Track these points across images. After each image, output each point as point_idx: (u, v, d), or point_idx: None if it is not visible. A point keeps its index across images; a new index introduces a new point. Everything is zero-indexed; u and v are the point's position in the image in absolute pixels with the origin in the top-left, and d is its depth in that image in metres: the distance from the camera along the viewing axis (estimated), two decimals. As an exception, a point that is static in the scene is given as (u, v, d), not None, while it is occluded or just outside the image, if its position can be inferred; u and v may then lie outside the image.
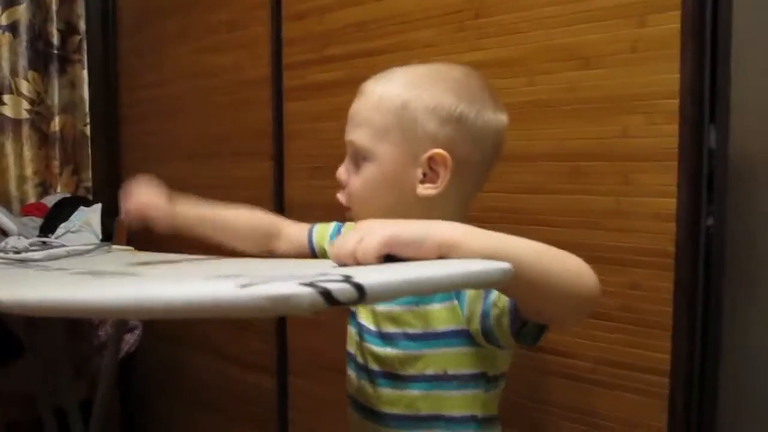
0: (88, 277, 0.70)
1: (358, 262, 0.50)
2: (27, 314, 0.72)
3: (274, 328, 1.51)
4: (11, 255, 1.06)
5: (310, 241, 0.94)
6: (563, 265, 0.58)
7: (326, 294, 0.34)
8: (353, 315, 0.85)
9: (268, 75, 1.46)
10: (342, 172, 0.79)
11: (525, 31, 1.03)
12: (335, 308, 0.35)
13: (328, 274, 0.38)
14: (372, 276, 0.37)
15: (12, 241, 1.22)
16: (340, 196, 0.80)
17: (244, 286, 0.35)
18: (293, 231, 0.97)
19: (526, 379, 1.05)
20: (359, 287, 0.35)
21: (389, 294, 0.38)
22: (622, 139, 0.93)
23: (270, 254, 0.94)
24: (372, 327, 0.80)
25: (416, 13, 1.17)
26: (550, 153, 1.00)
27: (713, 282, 0.88)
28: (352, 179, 0.78)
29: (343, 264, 0.51)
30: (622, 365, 0.95)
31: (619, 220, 0.94)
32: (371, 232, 0.52)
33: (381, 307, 0.79)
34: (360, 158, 0.76)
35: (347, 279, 0.35)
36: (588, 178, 0.97)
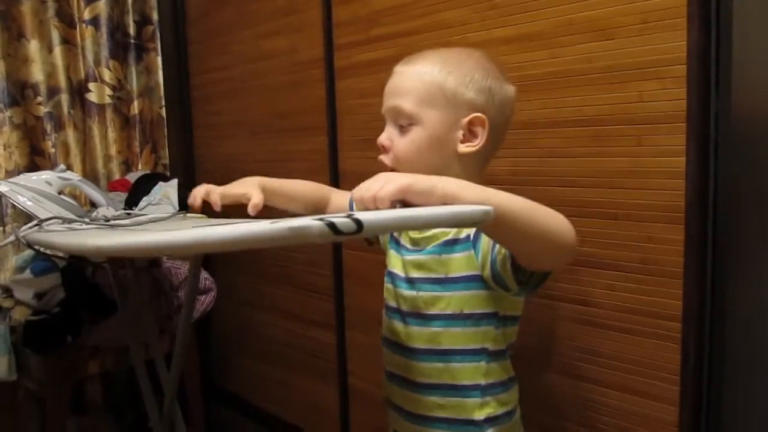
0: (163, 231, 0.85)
1: (376, 206, 0.63)
2: (118, 255, 0.87)
3: (332, 289, 1.65)
4: (102, 222, 1.23)
5: (351, 207, 1.06)
6: (545, 215, 0.70)
7: (332, 225, 0.46)
8: (389, 269, 0.97)
9: (321, 56, 1.58)
10: (384, 138, 0.91)
11: (547, 6, 1.11)
12: (340, 238, 0.47)
13: (339, 215, 0.50)
14: (370, 214, 0.49)
15: (102, 211, 1.40)
16: (385, 159, 0.91)
17: (273, 222, 0.47)
18: (339, 198, 1.11)
19: (550, 326, 1.15)
20: (358, 221, 0.47)
21: (382, 227, 0.50)
22: (636, 104, 1.01)
23: None
24: (401, 274, 0.93)
25: (451, -6, 1.27)
26: (572, 119, 1.09)
27: (722, 233, 0.96)
28: (397, 142, 0.89)
29: (364, 207, 0.64)
30: (638, 312, 1.04)
31: (634, 179, 1.02)
32: (391, 180, 0.64)
33: (410, 257, 0.92)
34: (405, 123, 0.88)
35: (349, 216, 0.47)
36: (606, 141, 1.05)
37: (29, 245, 1.21)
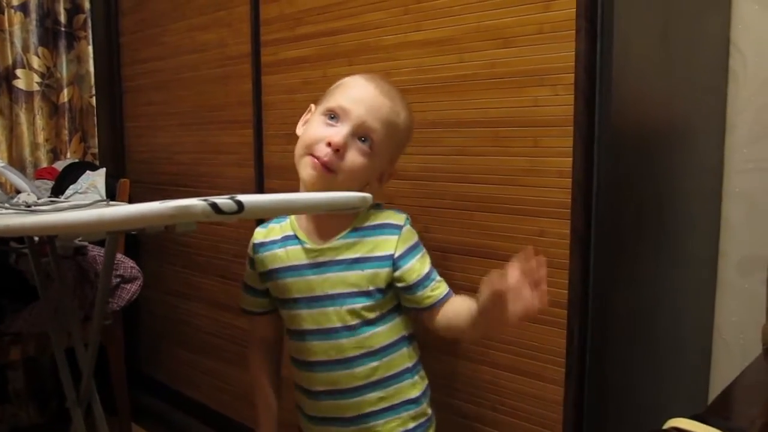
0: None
1: None
2: (25, 234, 0.90)
3: (257, 277, 1.70)
4: (22, 207, 1.25)
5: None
6: None
7: (214, 205, 0.52)
8: (297, 296, 1.05)
9: (248, 51, 1.62)
10: (341, 139, 0.96)
11: (457, 14, 1.18)
12: (222, 217, 0.52)
13: (223, 197, 0.55)
14: (250, 196, 0.55)
15: (23, 197, 1.41)
16: (334, 161, 0.96)
17: (162, 202, 0.53)
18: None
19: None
20: (239, 203, 0.53)
21: (262, 209, 0.56)
22: (532, 108, 1.09)
23: None
24: (321, 293, 1.03)
25: (370, -2, 1.33)
26: (476, 120, 1.17)
27: (603, 228, 1.05)
28: (352, 153, 0.97)
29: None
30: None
31: (530, 177, 1.11)
32: None
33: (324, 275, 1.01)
34: (367, 144, 0.98)
35: (232, 197, 0.53)
36: (506, 142, 1.13)
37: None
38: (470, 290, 1.18)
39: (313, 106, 1.09)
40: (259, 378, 1.12)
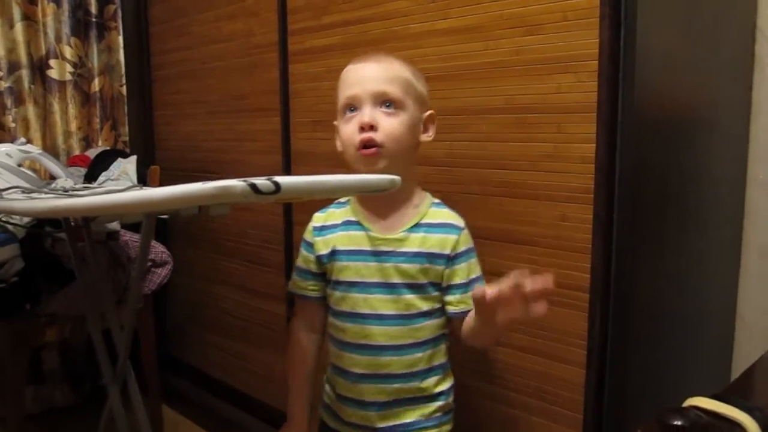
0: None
1: None
2: (69, 215, 0.94)
3: (283, 263, 1.74)
4: (60, 192, 1.29)
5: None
6: None
7: (253, 186, 0.55)
8: (353, 279, 1.07)
9: (275, 40, 1.65)
10: (370, 117, 1.00)
11: (483, 2, 1.20)
12: (259, 198, 0.55)
13: (261, 178, 0.58)
14: (286, 177, 0.58)
15: (60, 182, 1.46)
16: (375, 136, 0.99)
17: (204, 183, 0.56)
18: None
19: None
20: (276, 183, 0.56)
21: (299, 191, 0.58)
22: (556, 94, 1.11)
23: None
24: (380, 280, 1.06)
25: (397, -14, 1.35)
26: (501, 107, 1.19)
27: (625, 213, 1.07)
28: (387, 122, 1.00)
29: None
30: (555, 284, 1.14)
31: (553, 163, 1.13)
32: None
33: (388, 264, 1.05)
34: (392, 107, 1.01)
35: (269, 178, 0.56)
36: (530, 128, 1.15)
37: (-12, 212, 1.27)
38: (494, 274, 1.20)
39: (335, 123, 1.10)
40: (297, 360, 1.14)
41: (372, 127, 0.99)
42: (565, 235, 1.12)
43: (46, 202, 0.90)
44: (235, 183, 0.54)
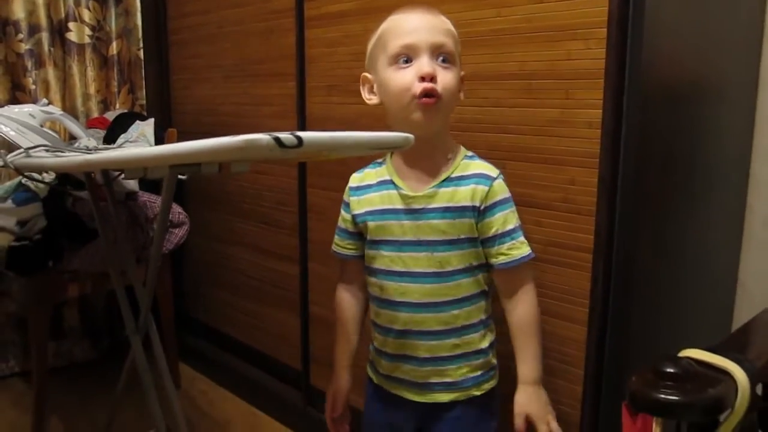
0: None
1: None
2: (109, 168, 0.99)
3: (297, 225, 1.79)
4: (84, 150, 1.34)
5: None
6: (539, 323, 1.09)
7: (277, 139, 0.59)
8: (388, 238, 1.10)
9: (292, 5, 1.68)
10: (431, 68, 1.00)
11: (496, -31, 1.23)
12: (282, 152, 0.60)
13: (284, 132, 0.63)
14: (308, 133, 0.62)
15: (84, 141, 1.51)
16: (433, 87, 1.00)
17: (232, 136, 0.60)
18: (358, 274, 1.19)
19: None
20: (299, 137, 0.60)
21: (319, 145, 0.63)
22: (565, 61, 1.14)
23: None
24: (413, 238, 1.08)
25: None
26: (511, 73, 1.22)
27: (629, 177, 1.10)
28: (443, 75, 1.02)
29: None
30: (559, 245, 1.19)
31: (561, 128, 1.16)
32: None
33: (421, 222, 1.07)
34: (447, 60, 1.03)
35: (292, 133, 0.60)
36: (539, 94, 1.18)
37: (16, 169, 1.32)
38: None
39: (366, 74, 1.10)
40: (343, 316, 1.18)
41: (432, 79, 0.99)
42: (571, 198, 1.16)
43: (80, 157, 0.95)
44: (260, 136, 0.58)
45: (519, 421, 1.06)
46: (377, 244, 1.10)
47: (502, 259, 1.05)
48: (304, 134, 0.60)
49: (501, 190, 1.06)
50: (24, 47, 2.07)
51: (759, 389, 0.96)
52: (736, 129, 1.46)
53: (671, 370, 0.74)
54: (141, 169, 0.85)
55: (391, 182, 1.09)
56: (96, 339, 2.34)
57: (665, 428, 0.79)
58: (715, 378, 0.76)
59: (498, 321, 1.13)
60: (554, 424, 1.04)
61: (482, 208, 1.04)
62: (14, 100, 2.08)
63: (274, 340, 1.96)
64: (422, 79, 0.99)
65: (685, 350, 0.83)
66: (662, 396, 0.71)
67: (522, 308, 1.07)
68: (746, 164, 1.49)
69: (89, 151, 1.35)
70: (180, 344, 2.16)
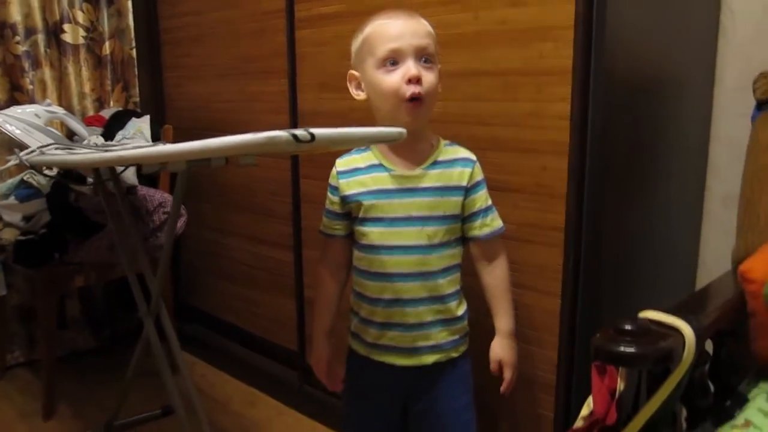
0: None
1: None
2: (141, 162, 1.09)
3: (291, 213, 1.90)
4: (95, 147, 1.44)
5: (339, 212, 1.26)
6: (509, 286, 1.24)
7: (294, 135, 0.70)
8: (382, 216, 1.20)
9: (283, 7, 1.78)
10: (416, 71, 1.11)
11: (473, -25, 1.34)
12: (297, 146, 0.71)
13: (299, 129, 0.74)
14: (320, 129, 0.73)
15: (93, 139, 1.61)
16: (419, 90, 1.11)
17: (255, 133, 0.71)
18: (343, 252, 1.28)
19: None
20: (312, 134, 0.72)
21: (328, 141, 0.74)
22: (537, 60, 1.26)
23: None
24: (404, 215, 1.19)
25: (395, -41, 1.48)
26: (488, 71, 1.34)
27: (596, 163, 1.23)
28: (427, 77, 1.13)
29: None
30: (534, 225, 1.31)
31: (534, 120, 1.28)
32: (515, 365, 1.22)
33: (411, 199, 1.18)
34: (429, 61, 1.14)
35: (306, 129, 0.72)
36: (514, 89, 1.31)
37: (32, 166, 1.42)
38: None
39: (353, 72, 1.21)
40: (324, 293, 1.29)
41: (418, 81, 1.11)
42: (544, 183, 1.28)
43: (104, 154, 1.05)
44: (280, 133, 0.69)
45: (494, 366, 1.23)
46: (371, 221, 1.20)
47: (486, 230, 1.20)
48: (316, 130, 0.72)
49: (479, 171, 1.21)
50: (21, 49, 2.15)
51: (710, 347, 1.10)
52: (694, 118, 1.59)
53: (629, 328, 0.87)
54: (158, 165, 0.96)
55: (381, 165, 1.19)
56: (96, 328, 2.43)
57: (628, 378, 0.92)
58: (666, 334, 0.89)
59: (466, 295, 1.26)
60: (509, 374, 1.22)
61: (468, 186, 1.19)
62: (13, 101, 2.15)
63: (270, 323, 2.07)
64: (409, 81, 1.11)
65: (643, 312, 0.95)
66: (621, 348, 0.84)
67: (499, 271, 1.23)
68: (705, 150, 1.63)
69: (98, 148, 1.44)
70: (179, 332, 2.25)
